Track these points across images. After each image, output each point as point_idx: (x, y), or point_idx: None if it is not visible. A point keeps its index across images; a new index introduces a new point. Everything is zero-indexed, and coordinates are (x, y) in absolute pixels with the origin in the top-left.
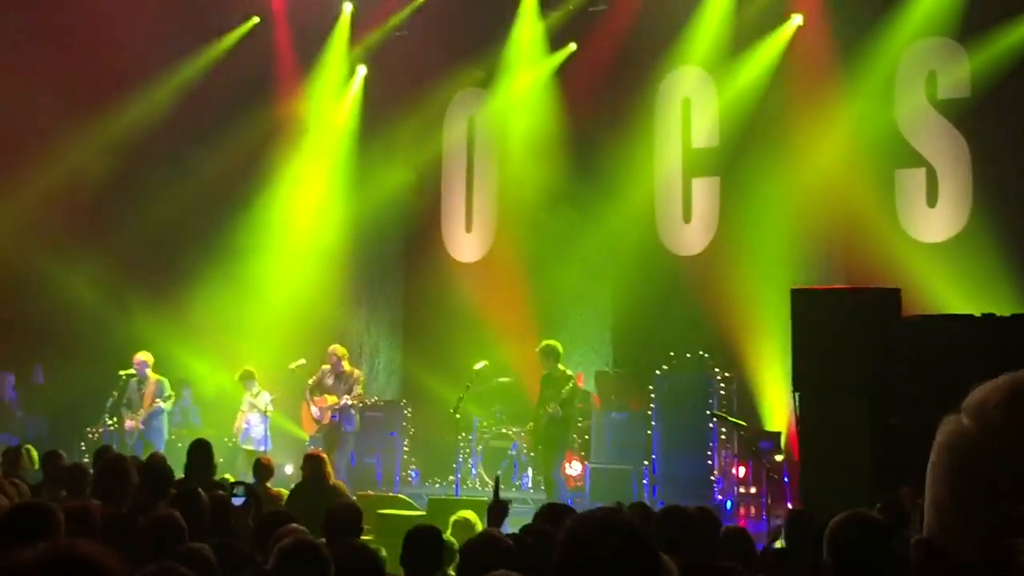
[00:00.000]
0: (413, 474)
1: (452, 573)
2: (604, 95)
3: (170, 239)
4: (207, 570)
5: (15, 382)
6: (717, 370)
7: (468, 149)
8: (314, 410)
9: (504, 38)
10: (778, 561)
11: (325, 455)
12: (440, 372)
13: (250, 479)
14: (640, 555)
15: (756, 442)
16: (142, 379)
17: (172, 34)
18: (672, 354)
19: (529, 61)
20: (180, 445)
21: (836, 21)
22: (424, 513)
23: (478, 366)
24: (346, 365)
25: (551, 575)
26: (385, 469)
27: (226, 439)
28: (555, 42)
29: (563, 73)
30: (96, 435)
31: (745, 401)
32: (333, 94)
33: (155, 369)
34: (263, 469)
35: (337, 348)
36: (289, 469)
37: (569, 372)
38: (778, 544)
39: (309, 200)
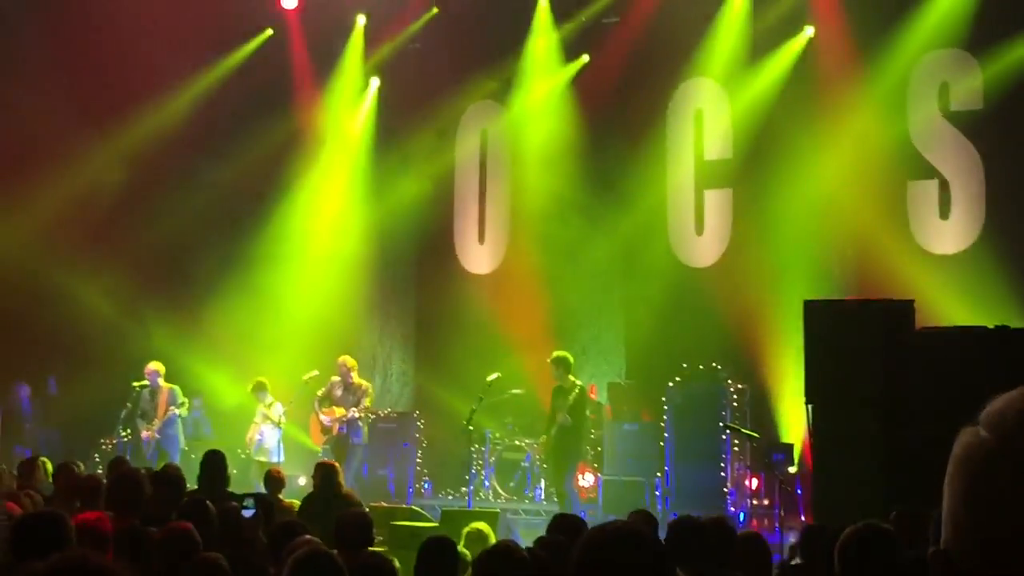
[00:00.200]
0: (426, 486)
1: None
2: (616, 107)
3: (184, 251)
4: None
5: (30, 393)
6: (729, 381)
7: (481, 161)
8: (323, 419)
9: (516, 51)
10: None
11: (336, 464)
12: (453, 383)
13: (263, 490)
14: (655, 567)
15: (769, 454)
16: (155, 389)
17: (187, 46)
18: (685, 365)
19: (542, 73)
20: (193, 456)
21: (848, 33)
22: (437, 525)
23: (491, 378)
24: (355, 377)
25: None
26: (398, 480)
27: (239, 450)
28: (568, 54)
29: (576, 85)
30: (110, 446)
31: (759, 413)
32: (347, 106)
33: (168, 380)
34: (274, 481)
35: (347, 359)
36: (302, 480)
37: (577, 381)
38: (794, 563)
39: (323, 212)
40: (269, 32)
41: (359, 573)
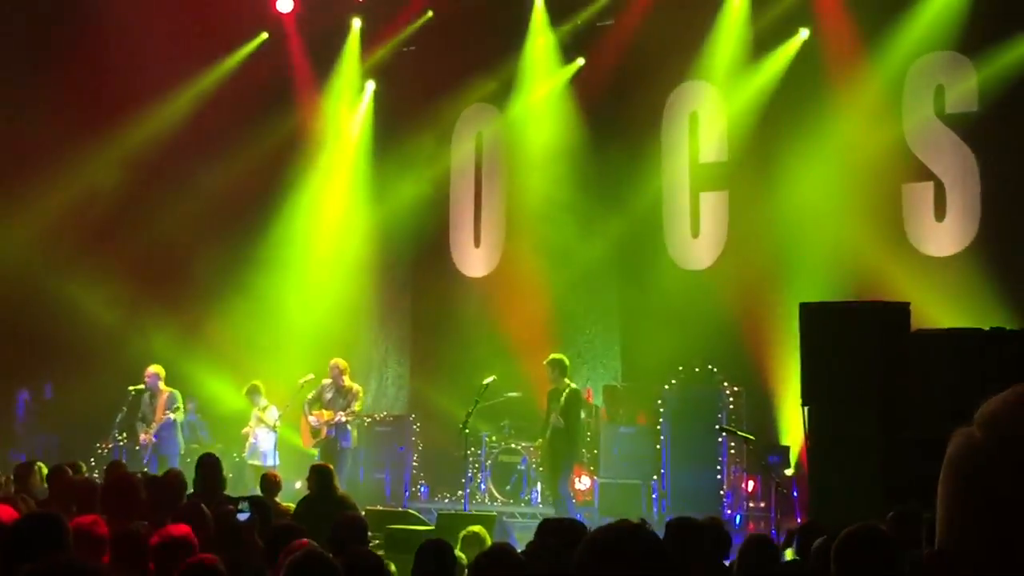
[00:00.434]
0: (422, 489)
1: None
2: (612, 110)
3: (180, 255)
4: None
5: (28, 398)
6: (725, 384)
7: (476, 164)
8: (312, 420)
9: (511, 54)
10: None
11: (331, 466)
12: (449, 387)
13: (258, 494)
14: (658, 569)
15: (765, 456)
16: (154, 392)
17: (183, 50)
18: (680, 368)
19: (537, 76)
20: (189, 460)
21: (843, 36)
22: (433, 528)
23: (487, 381)
24: (347, 379)
25: None
26: (394, 484)
27: (234, 454)
28: (563, 57)
29: (571, 88)
30: (106, 450)
31: (757, 415)
32: (344, 109)
33: (166, 384)
34: (271, 484)
35: (339, 361)
36: (298, 484)
37: (571, 383)
38: (788, 554)
39: (320, 216)
40: (264, 36)
41: (353, 572)
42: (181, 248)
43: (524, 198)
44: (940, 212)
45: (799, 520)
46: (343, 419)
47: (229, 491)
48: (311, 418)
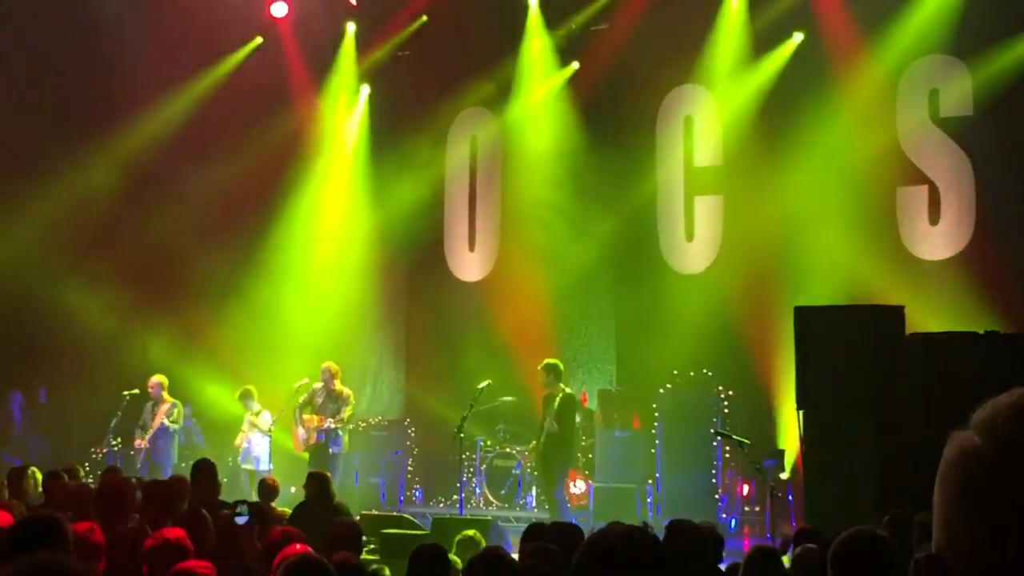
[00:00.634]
0: (417, 493)
1: None
2: (607, 113)
3: (176, 260)
4: None
5: (22, 402)
6: (720, 388)
7: (471, 168)
8: (300, 431)
9: (506, 58)
10: None
11: (328, 474)
12: (444, 391)
13: (252, 499)
14: (659, 572)
15: (760, 460)
16: (157, 401)
17: (178, 55)
18: (675, 372)
19: (532, 80)
20: (184, 465)
21: (838, 39)
22: (428, 532)
23: (481, 385)
24: (338, 383)
25: None
26: (389, 488)
27: (228, 459)
28: (558, 61)
29: (566, 92)
30: (100, 455)
31: (752, 419)
32: (339, 114)
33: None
34: (268, 489)
35: (331, 365)
36: (292, 489)
37: (566, 388)
38: (785, 560)
39: (315, 221)
40: (259, 40)
41: None
42: (177, 252)
43: (519, 202)
44: (934, 216)
45: (794, 524)
46: (331, 425)
47: (223, 496)
48: (299, 429)
